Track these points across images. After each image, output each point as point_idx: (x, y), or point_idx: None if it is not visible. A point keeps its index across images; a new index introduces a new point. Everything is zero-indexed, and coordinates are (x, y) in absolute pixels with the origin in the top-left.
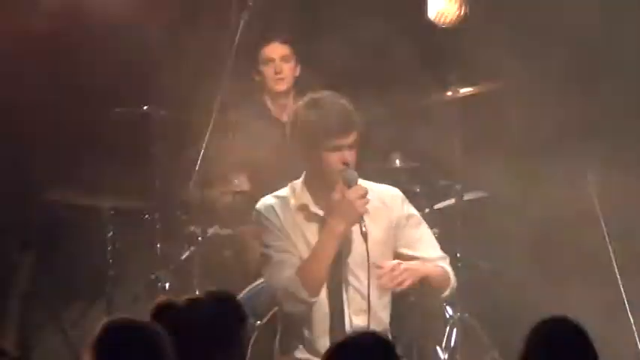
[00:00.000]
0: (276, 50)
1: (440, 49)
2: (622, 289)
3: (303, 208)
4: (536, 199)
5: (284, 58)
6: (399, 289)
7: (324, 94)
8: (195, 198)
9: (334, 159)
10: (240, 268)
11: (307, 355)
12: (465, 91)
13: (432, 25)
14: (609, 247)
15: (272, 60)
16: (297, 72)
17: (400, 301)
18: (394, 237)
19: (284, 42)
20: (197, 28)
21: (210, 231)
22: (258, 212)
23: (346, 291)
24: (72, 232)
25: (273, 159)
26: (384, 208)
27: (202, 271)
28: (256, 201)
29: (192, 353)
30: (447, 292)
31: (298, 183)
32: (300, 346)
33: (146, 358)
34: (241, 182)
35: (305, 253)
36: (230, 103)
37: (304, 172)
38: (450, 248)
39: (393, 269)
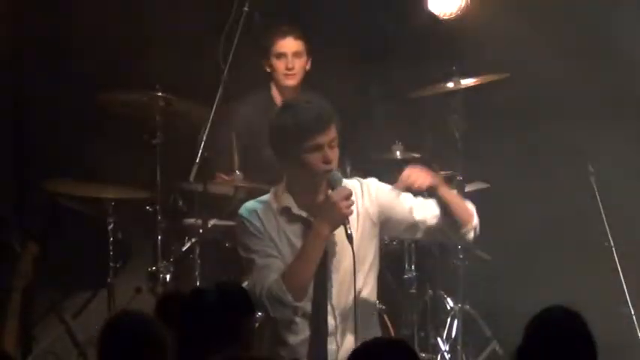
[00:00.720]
0: (289, 45)
1: (441, 40)
2: (623, 279)
3: (285, 210)
4: (537, 190)
5: (296, 54)
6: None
7: (298, 98)
8: (196, 190)
9: (315, 159)
10: (241, 260)
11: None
12: (466, 82)
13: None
14: (610, 237)
15: (284, 55)
16: (308, 66)
17: (402, 293)
18: (383, 223)
19: (298, 37)
20: (200, 19)
21: (212, 223)
22: (241, 216)
23: (330, 295)
24: (73, 223)
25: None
26: (360, 201)
27: (203, 263)
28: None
29: (197, 344)
30: (470, 231)
31: (280, 187)
32: (283, 353)
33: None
34: (239, 176)
35: (289, 257)
36: (233, 93)
37: (285, 176)
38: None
39: (409, 175)
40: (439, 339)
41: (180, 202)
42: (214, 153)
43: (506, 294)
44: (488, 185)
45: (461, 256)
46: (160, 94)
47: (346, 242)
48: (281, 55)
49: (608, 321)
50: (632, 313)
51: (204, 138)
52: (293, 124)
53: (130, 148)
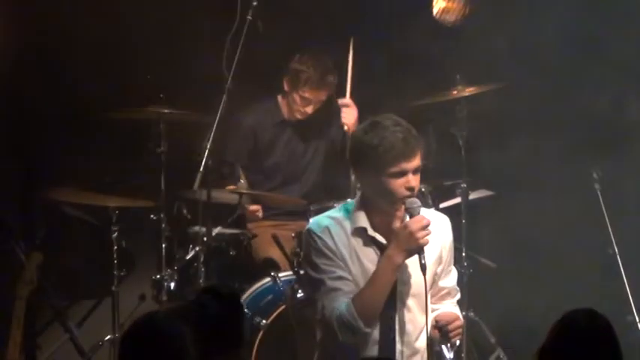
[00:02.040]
0: (318, 97)
1: (445, 48)
2: (627, 286)
3: (359, 231)
4: (541, 197)
5: (319, 102)
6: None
7: (385, 117)
8: (200, 198)
9: (398, 184)
10: (245, 267)
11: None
12: (470, 89)
13: (436, 23)
14: (614, 245)
15: (309, 101)
16: None
17: None
18: (441, 268)
19: (329, 90)
20: (204, 27)
21: (216, 231)
22: (311, 232)
23: (398, 322)
24: (77, 232)
25: (280, 160)
26: (437, 237)
27: (207, 271)
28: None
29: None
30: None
31: (353, 205)
32: None
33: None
34: (243, 184)
35: (360, 279)
36: (237, 102)
37: (359, 194)
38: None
39: (457, 325)
40: (443, 346)
41: (185, 211)
42: (220, 162)
43: (510, 301)
44: (493, 193)
45: (465, 264)
46: (164, 103)
47: (417, 271)
48: (305, 100)
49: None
50: (637, 320)
51: (208, 146)
52: (381, 145)
53: (135, 156)
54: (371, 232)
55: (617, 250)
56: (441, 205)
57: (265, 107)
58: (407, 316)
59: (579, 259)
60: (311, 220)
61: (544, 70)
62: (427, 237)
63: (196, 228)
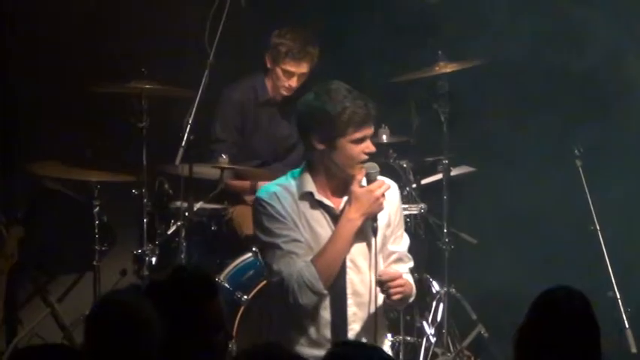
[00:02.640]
0: (300, 69)
1: (428, 24)
2: (608, 262)
3: (307, 196)
4: (523, 173)
5: (303, 75)
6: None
7: (336, 84)
8: (182, 173)
9: (359, 149)
10: (226, 243)
11: (310, 350)
12: (452, 66)
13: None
14: (595, 221)
15: (292, 74)
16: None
17: None
18: (390, 231)
19: (311, 61)
20: (187, 3)
21: (197, 206)
22: (261, 200)
23: (350, 283)
24: (59, 206)
25: (264, 139)
26: (386, 201)
27: (189, 246)
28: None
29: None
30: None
31: (300, 171)
32: (302, 340)
33: (131, 335)
34: (224, 159)
35: (311, 242)
36: (219, 78)
37: (306, 161)
38: (436, 223)
39: (399, 283)
40: (425, 322)
41: (166, 186)
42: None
43: (492, 278)
44: (474, 169)
45: (447, 240)
46: (146, 78)
47: (368, 234)
48: (288, 73)
49: (593, 304)
50: (618, 296)
51: (190, 121)
52: (345, 112)
53: (116, 131)
54: (317, 196)
55: (598, 227)
56: (423, 182)
57: (252, 84)
58: (358, 277)
59: (560, 236)
60: (259, 189)
61: (525, 45)
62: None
63: (178, 203)
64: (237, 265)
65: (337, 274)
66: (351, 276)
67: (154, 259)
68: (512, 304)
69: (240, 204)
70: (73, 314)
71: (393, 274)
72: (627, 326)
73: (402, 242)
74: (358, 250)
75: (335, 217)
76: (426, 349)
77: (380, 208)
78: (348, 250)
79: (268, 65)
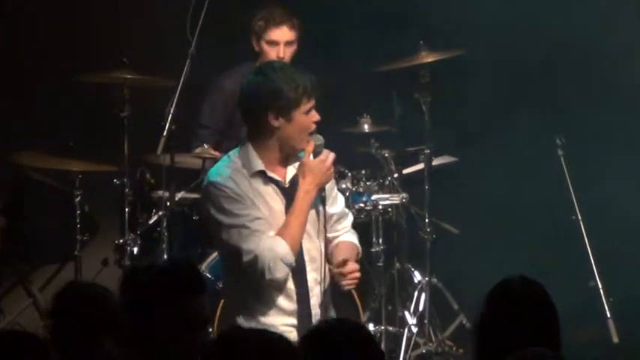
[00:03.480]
0: (283, 35)
1: (409, 14)
2: (589, 252)
3: (258, 174)
4: (505, 163)
5: (288, 43)
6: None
7: (272, 62)
8: (163, 162)
9: (309, 120)
10: (208, 232)
11: (280, 319)
12: (434, 55)
13: None
14: (577, 211)
15: (277, 43)
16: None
17: (369, 266)
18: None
19: (292, 27)
20: None
21: (179, 195)
22: (216, 183)
23: (304, 250)
24: (40, 196)
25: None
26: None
27: (171, 236)
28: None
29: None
30: None
31: (245, 150)
32: (271, 311)
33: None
34: (206, 148)
35: (270, 219)
36: (201, 67)
37: (255, 142)
38: (418, 213)
39: (356, 275)
40: (406, 312)
41: (148, 175)
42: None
43: (473, 267)
44: (456, 159)
45: (428, 230)
46: (127, 67)
47: (317, 203)
48: (273, 43)
49: (575, 293)
50: (600, 286)
51: (172, 111)
52: (295, 86)
53: (98, 121)
54: (270, 173)
55: (579, 216)
56: (405, 171)
57: (244, 73)
58: (310, 244)
59: (542, 225)
60: (208, 174)
61: (506, 35)
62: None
63: (159, 192)
64: (218, 255)
65: None
66: (305, 244)
67: (135, 249)
68: None
69: None
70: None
71: (353, 267)
72: (609, 316)
73: (338, 202)
74: (308, 218)
75: (283, 189)
76: (408, 339)
77: (330, 177)
78: (306, 219)
79: (256, 49)
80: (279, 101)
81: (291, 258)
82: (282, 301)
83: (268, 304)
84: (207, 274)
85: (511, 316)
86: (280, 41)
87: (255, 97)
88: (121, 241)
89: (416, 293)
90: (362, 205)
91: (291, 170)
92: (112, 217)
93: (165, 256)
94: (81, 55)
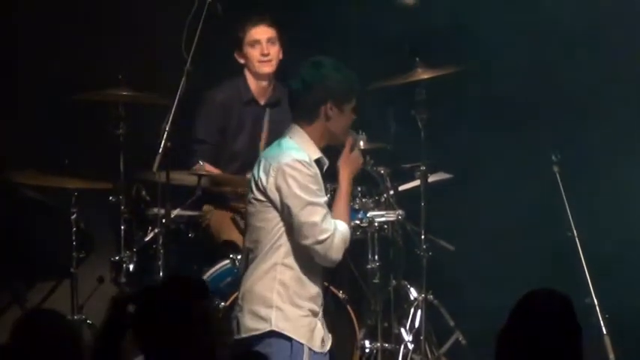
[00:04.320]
0: (263, 32)
1: (405, 31)
2: (585, 268)
3: (319, 161)
4: (501, 180)
5: (270, 40)
6: None
7: (332, 59)
8: (159, 180)
9: (351, 117)
10: (204, 249)
11: (309, 304)
12: (429, 72)
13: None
14: (572, 227)
15: (258, 42)
16: (281, 55)
17: (365, 283)
18: None
19: (271, 24)
20: (162, 9)
21: (175, 213)
22: (302, 161)
23: None
24: (36, 214)
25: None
26: None
27: (166, 253)
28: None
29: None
30: None
31: (301, 137)
32: (307, 294)
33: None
34: (202, 166)
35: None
36: (197, 84)
37: (308, 129)
38: (414, 230)
39: None
40: (402, 329)
41: (144, 192)
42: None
43: (469, 284)
44: (452, 176)
45: (424, 247)
46: (122, 85)
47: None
48: (255, 43)
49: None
50: (596, 303)
51: (167, 128)
52: (346, 82)
53: (93, 138)
54: (324, 161)
55: (575, 233)
56: (400, 188)
57: (235, 85)
58: None
59: (538, 242)
60: (286, 152)
61: (504, 51)
62: None
63: (155, 210)
64: (214, 271)
65: None
66: None
67: (131, 266)
68: (489, 311)
69: (218, 209)
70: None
71: None
72: (605, 332)
73: None
74: None
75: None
76: (404, 356)
77: (361, 168)
78: None
79: (241, 60)
80: (338, 92)
81: (349, 241)
82: (312, 285)
83: (304, 287)
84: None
85: (533, 329)
86: (262, 39)
87: (319, 85)
88: (117, 258)
89: (412, 310)
90: (358, 222)
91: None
92: (107, 235)
93: (161, 273)
94: (76, 72)
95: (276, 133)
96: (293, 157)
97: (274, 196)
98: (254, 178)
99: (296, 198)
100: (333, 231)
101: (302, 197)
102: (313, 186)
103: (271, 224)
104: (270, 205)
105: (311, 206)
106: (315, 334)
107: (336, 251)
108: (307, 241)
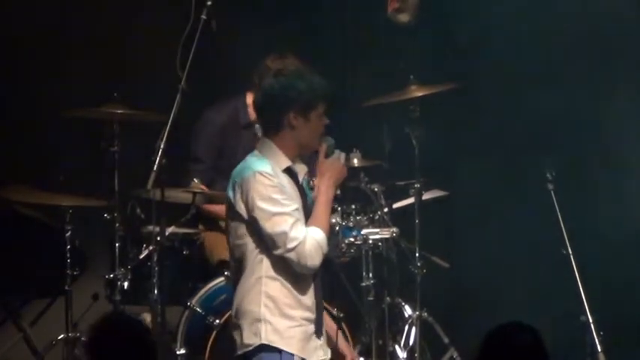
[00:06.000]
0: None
1: (399, 49)
2: (580, 286)
3: (286, 170)
4: (495, 197)
5: None
6: None
7: (291, 65)
8: (154, 197)
9: (321, 123)
10: (198, 267)
11: (299, 312)
12: (423, 90)
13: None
14: (567, 245)
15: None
16: None
17: (360, 300)
18: None
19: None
20: (157, 27)
21: (169, 230)
22: (263, 173)
23: None
24: (30, 231)
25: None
26: None
27: (161, 270)
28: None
29: None
30: None
31: (269, 148)
32: (295, 304)
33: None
34: (197, 184)
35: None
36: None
37: (275, 139)
38: (409, 247)
39: None
40: (397, 346)
41: (138, 210)
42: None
43: (463, 301)
44: (447, 193)
45: (419, 264)
46: (118, 102)
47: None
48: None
49: (566, 328)
50: (591, 320)
51: (162, 145)
52: (310, 88)
53: (88, 155)
54: (295, 169)
55: (570, 251)
56: (395, 205)
57: (234, 106)
58: None
59: (533, 260)
60: (248, 167)
61: (497, 69)
62: None
63: (150, 227)
64: (209, 289)
65: None
66: None
67: (125, 284)
68: (484, 329)
69: (213, 230)
70: (45, 339)
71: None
72: (600, 350)
73: None
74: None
75: (300, 187)
76: None
77: (344, 175)
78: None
79: (256, 80)
80: (299, 102)
81: (326, 247)
82: (303, 294)
83: (293, 296)
84: (198, 309)
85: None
86: None
87: (278, 96)
88: (112, 275)
89: (406, 327)
90: (352, 239)
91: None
92: (102, 252)
93: (155, 291)
94: (71, 89)
95: None
96: (253, 170)
97: (243, 211)
98: (227, 197)
99: (261, 210)
100: (303, 238)
101: (266, 209)
102: (277, 195)
103: (249, 239)
104: (242, 221)
105: (277, 216)
106: (309, 345)
107: (310, 258)
108: (279, 251)
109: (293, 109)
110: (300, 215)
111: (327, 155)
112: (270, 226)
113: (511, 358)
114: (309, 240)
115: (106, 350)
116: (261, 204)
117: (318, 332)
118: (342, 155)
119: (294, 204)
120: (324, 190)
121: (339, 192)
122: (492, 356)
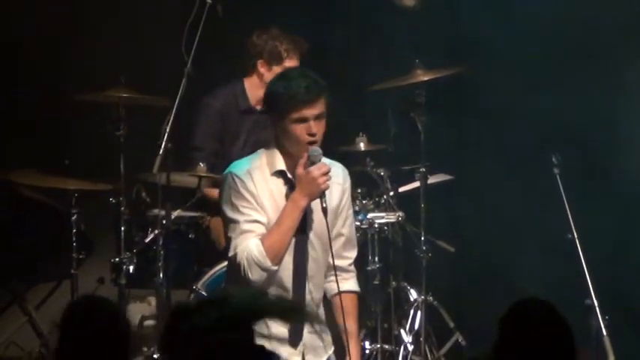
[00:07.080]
0: (297, 63)
1: (404, 33)
2: (586, 270)
3: (279, 173)
4: (501, 181)
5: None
6: None
7: (295, 69)
8: (160, 181)
9: (300, 130)
10: (204, 251)
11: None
12: (429, 74)
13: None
14: (573, 229)
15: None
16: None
17: (365, 284)
18: (341, 211)
19: (301, 56)
20: (163, 10)
21: (175, 214)
22: (234, 175)
23: (307, 262)
24: (36, 214)
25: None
26: (337, 183)
27: (167, 254)
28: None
29: None
30: None
31: (272, 150)
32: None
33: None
34: (202, 168)
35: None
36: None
37: (277, 140)
38: (414, 231)
39: None
40: (402, 330)
41: (144, 194)
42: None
43: (469, 285)
44: (452, 177)
45: (424, 248)
46: (124, 86)
47: (320, 213)
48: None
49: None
50: (596, 304)
51: (168, 129)
52: (283, 93)
53: (94, 139)
54: (289, 174)
55: (576, 235)
56: (400, 190)
57: (232, 92)
58: (312, 253)
59: (538, 244)
60: (235, 164)
61: (504, 54)
62: (327, 182)
63: (155, 211)
64: (214, 273)
65: (299, 252)
66: (310, 256)
67: (131, 268)
68: (490, 313)
69: (218, 215)
70: (50, 322)
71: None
72: (605, 334)
73: (348, 224)
74: (310, 229)
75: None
76: (404, 357)
77: (319, 189)
78: (293, 230)
79: (262, 70)
80: (275, 107)
81: (267, 263)
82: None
83: None
84: (203, 293)
85: (529, 337)
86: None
87: (265, 97)
88: (117, 259)
89: (412, 311)
90: (358, 223)
91: None
92: (107, 236)
93: (161, 275)
94: (77, 73)
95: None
96: (230, 171)
97: None
98: None
99: (222, 212)
100: (241, 250)
101: (225, 212)
102: (238, 202)
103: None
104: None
105: (231, 223)
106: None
107: (244, 271)
108: (229, 254)
109: (273, 111)
110: (258, 227)
111: (309, 166)
112: (226, 229)
113: (535, 334)
114: (244, 253)
115: (70, 342)
116: (223, 206)
117: (291, 343)
118: (324, 168)
119: (255, 214)
120: (288, 204)
121: (325, 204)
122: (514, 335)
